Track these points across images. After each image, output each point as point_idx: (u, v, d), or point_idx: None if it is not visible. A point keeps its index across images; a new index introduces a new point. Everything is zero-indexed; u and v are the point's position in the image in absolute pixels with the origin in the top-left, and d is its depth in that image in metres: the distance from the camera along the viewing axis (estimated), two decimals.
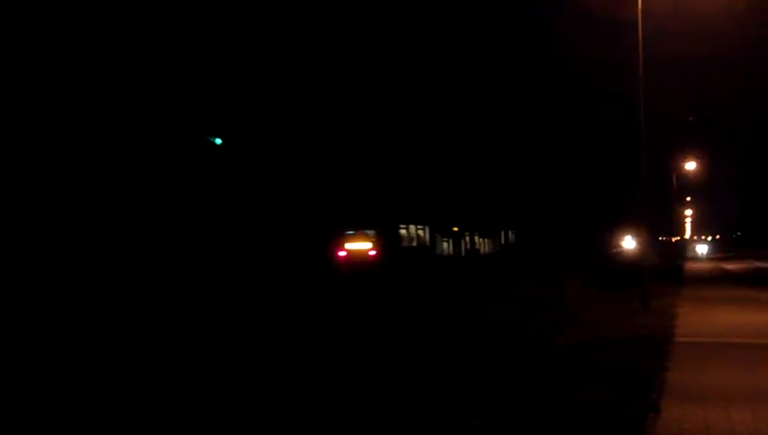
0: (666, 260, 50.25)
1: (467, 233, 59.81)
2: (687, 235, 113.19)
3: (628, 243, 79.00)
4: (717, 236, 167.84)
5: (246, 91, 33.70)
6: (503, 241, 68.51)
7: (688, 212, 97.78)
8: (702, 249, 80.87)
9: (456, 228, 55.82)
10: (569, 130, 68.88)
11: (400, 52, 44.36)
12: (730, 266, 47.59)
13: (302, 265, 29.22)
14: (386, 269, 32.51)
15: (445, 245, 55.14)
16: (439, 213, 50.31)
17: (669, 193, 63.82)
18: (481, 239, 64.12)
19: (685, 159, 58.80)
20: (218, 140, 33.18)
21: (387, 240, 39.07)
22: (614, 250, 79.82)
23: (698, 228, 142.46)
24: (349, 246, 35.57)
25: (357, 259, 34.35)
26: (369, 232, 36.95)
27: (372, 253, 35.66)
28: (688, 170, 60.61)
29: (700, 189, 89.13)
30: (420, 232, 49.43)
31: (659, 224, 78.77)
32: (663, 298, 20.25)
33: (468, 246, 60.20)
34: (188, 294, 18.24)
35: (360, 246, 35.83)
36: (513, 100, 58.21)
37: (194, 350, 10.91)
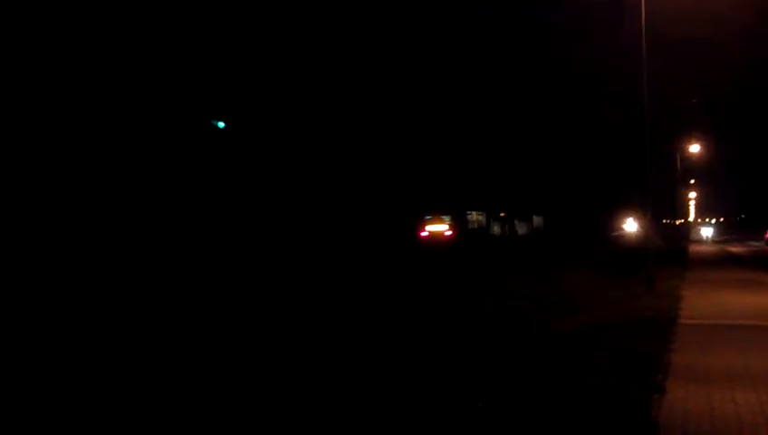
0: (670, 243, 50.22)
1: (510, 217, 70.85)
2: (691, 217, 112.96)
3: (630, 226, 79.57)
4: (722, 219, 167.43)
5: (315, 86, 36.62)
6: (533, 224, 79.44)
7: (692, 195, 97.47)
8: (707, 232, 77.17)
9: (503, 214, 67.66)
10: (574, 117, 69.26)
11: (416, 54, 46.29)
12: (734, 249, 47.58)
13: (396, 242, 36.70)
14: (457, 246, 40.66)
15: (495, 227, 66.55)
16: (492, 202, 61.98)
17: (673, 176, 63.58)
18: (519, 222, 74.93)
19: (689, 142, 58.56)
20: (221, 124, 33.23)
21: (458, 223, 50.80)
22: (616, 233, 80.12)
23: (702, 211, 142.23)
24: (429, 227, 46.03)
25: (436, 238, 44.13)
26: (444, 217, 48.32)
27: (448, 233, 46.46)
28: (692, 153, 60.33)
29: (704, 172, 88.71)
30: (479, 217, 61.91)
31: (663, 207, 78.47)
32: (667, 281, 20.27)
33: (509, 229, 70.53)
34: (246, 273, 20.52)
35: (439, 227, 46.57)
36: (522, 92, 59.92)
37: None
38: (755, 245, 54.04)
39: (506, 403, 7.33)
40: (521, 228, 74.07)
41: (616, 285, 19.61)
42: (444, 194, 50.43)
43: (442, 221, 47.67)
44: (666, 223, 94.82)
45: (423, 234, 45.13)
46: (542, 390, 7.83)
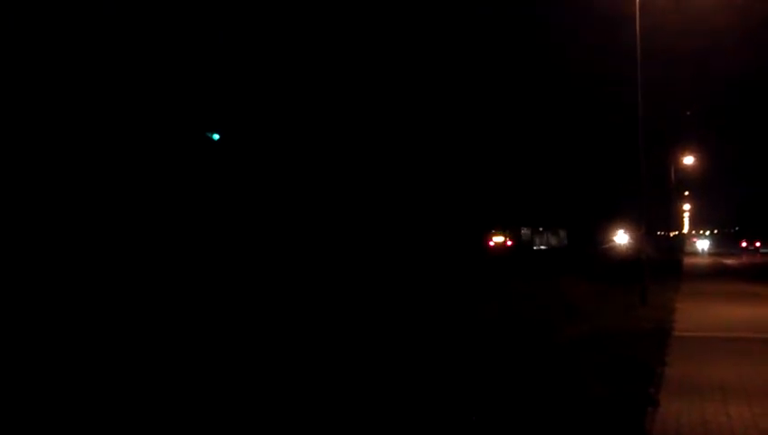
0: (664, 255, 50.33)
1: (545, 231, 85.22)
2: (686, 229, 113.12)
3: (621, 238, 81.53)
4: (716, 231, 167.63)
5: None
6: (560, 237, 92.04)
7: (686, 207, 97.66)
8: (702, 244, 75.06)
9: (540, 229, 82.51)
10: (571, 127, 70.27)
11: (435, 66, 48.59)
12: (729, 261, 47.70)
13: (472, 250, 48.50)
14: (514, 254, 53.63)
15: (536, 239, 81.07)
16: (534, 219, 76.59)
17: (667, 187, 63.76)
18: (551, 235, 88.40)
19: (683, 154, 58.71)
20: (216, 136, 33.27)
21: (514, 237, 66.13)
22: (606, 245, 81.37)
23: (697, 223, 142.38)
24: (495, 239, 61.15)
25: (499, 247, 59.11)
26: (504, 231, 63.19)
27: (508, 243, 61.90)
28: (686, 165, 60.49)
29: (698, 184, 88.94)
30: (526, 231, 75.36)
31: (657, 219, 78.74)
32: (662, 293, 20.28)
33: (545, 242, 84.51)
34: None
35: (501, 239, 61.79)
36: (522, 102, 62.65)
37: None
38: (748, 256, 54.87)
39: (502, 411, 7.30)
40: (552, 240, 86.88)
41: (611, 296, 19.60)
42: (503, 213, 63.66)
43: (504, 234, 62.42)
44: (660, 235, 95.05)
45: (490, 243, 59.76)
46: (535, 400, 7.80)
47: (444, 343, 11.38)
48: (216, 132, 33.15)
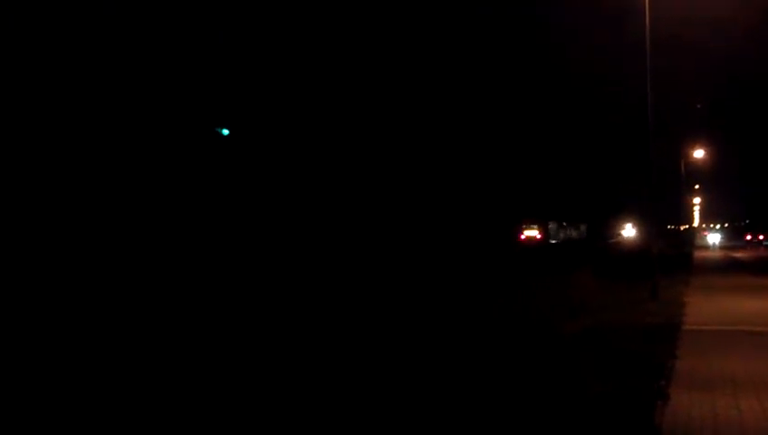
0: (674, 249, 50.17)
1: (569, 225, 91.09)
2: (696, 223, 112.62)
3: (628, 231, 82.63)
4: (726, 225, 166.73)
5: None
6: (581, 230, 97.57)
7: (697, 200, 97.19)
8: (714, 238, 73.26)
9: (564, 223, 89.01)
10: (583, 126, 71.21)
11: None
12: (739, 254, 47.50)
13: (505, 242, 52.62)
14: (544, 246, 59.34)
15: (561, 233, 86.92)
16: (560, 213, 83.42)
17: (678, 181, 63.56)
18: (573, 229, 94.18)
19: (693, 147, 58.44)
20: (225, 131, 33.39)
21: (543, 230, 70.16)
22: (613, 239, 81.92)
23: (707, 217, 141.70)
24: (526, 232, 65.42)
25: (530, 239, 63.59)
26: (534, 225, 67.46)
27: (538, 236, 66.40)
28: (697, 158, 60.21)
29: (709, 177, 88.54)
30: (552, 225, 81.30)
31: (667, 212, 78.77)
32: (672, 287, 20.27)
33: (567, 234, 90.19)
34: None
35: (532, 233, 66.13)
36: (545, 107, 64.91)
37: None
38: (753, 249, 55.22)
39: (508, 404, 7.35)
40: (574, 233, 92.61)
41: (622, 290, 19.59)
42: (534, 209, 69.24)
43: (534, 228, 67.09)
44: (670, 229, 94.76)
45: (522, 236, 64.34)
46: (548, 392, 7.84)
47: (464, 332, 11.61)
48: (226, 128, 33.32)
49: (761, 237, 65.98)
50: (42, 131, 23.51)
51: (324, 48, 38.22)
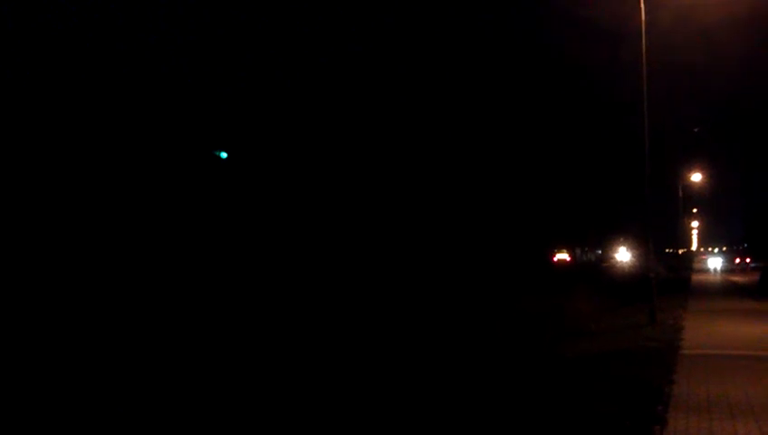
0: (673, 272, 50.17)
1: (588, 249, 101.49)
2: (694, 246, 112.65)
3: (623, 255, 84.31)
4: (724, 248, 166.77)
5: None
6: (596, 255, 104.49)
7: (695, 224, 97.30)
8: (714, 263, 70.32)
9: (587, 248, 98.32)
10: (579, 146, 71.83)
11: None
12: (737, 278, 47.48)
13: (540, 264, 57.71)
14: (573, 269, 62.98)
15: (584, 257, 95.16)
16: (584, 239, 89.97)
17: (675, 205, 63.64)
18: (591, 253, 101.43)
19: (690, 171, 58.62)
20: (224, 154, 33.58)
21: (572, 254, 78.06)
22: (608, 263, 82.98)
23: (705, 240, 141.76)
24: (557, 256, 72.38)
25: (561, 263, 70.33)
26: (564, 250, 74.89)
27: (568, 259, 73.15)
28: (694, 182, 60.36)
29: (706, 201, 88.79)
30: (578, 250, 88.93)
31: (665, 236, 78.98)
32: (669, 311, 20.26)
33: (587, 258, 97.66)
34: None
35: (563, 256, 73.20)
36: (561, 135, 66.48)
37: None
38: (741, 272, 56.00)
39: (509, 429, 7.37)
40: (592, 257, 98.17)
41: (621, 314, 19.60)
42: (563, 235, 75.78)
43: (564, 252, 74.32)
44: (668, 252, 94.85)
45: (554, 259, 70.82)
46: (546, 415, 7.86)
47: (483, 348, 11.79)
48: (224, 151, 33.51)
49: (748, 260, 69.07)
50: (41, 154, 23.64)
51: (330, 67, 38.77)
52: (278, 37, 36.86)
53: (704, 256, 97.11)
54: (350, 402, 8.75)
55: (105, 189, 25.27)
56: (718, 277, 50.46)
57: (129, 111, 27.09)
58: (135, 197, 26.25)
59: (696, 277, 49.04)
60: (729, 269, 64.79)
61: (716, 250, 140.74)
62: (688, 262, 79.99)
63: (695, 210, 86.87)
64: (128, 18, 28.01)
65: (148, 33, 29.04)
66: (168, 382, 10.15)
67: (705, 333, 15.93)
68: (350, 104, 38.45)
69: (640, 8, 19.10)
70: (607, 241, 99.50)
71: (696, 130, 59.51)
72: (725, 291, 33.88)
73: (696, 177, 59.47)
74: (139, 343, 12.56)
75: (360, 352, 12.49)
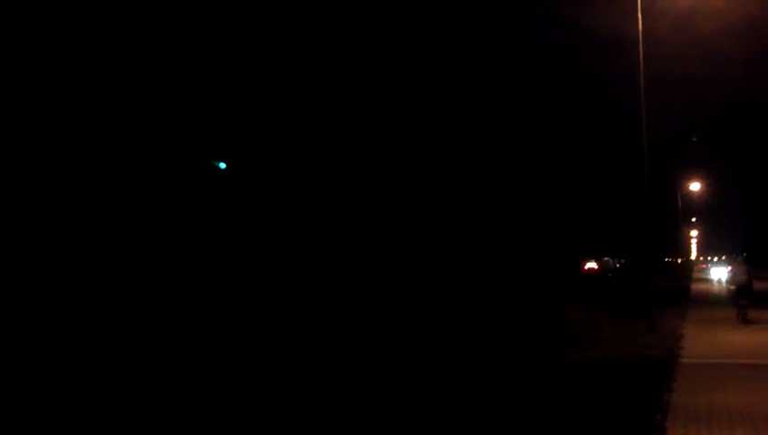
0: (672, 281, 50.14)
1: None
2: (693, 256, 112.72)
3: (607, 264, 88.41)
4: (723, 257, 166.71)
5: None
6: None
7: (694, 233, 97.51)
8: (719, 273, 61.74)
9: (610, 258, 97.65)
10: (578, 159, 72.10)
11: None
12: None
13: (570, 272, 59.20)
14: (601, 277, 65.12)
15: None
16: (610, 249, 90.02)
17: (674, 214, 63.81)
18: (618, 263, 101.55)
19: (690, 180, 58.75)
20: (222, 165, 33.60)
21: (600, 263, 77.97)
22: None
23: (704, 250, 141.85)
24: (587, 265, 72.87)
25: (590, 271, 71.32)
26: (592, 259, 75.08)
27: (595, 268, 73.82)
28: (693, 191, 60.49)
29: (705, 210, 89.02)
30: (608, 259, 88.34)
31: (665, 245, 79.35)
32: (669, 320, 20.24)
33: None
34: None
35: (591, 265, 73.66)
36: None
37: None
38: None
39: (518, 420, 7.40)
40: (617, 265, 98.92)
41: (621, 323, 19.58)
42: (592, 244, 76.90)
43: (593, 261, 75.58)
44: (668, 262, 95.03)
45: (584, 268, 71.94)
46: (542, 422, 7.83)
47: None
48: (223, 162, 33.56)
49: None
50: (34, 162, 23.62)
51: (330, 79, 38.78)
52: (278, 37, 36.86)
53: (703, 266, 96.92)
54: (348, 402, 8.72)
55: (104, 199, 25.25)
56: (717, 286, 50.34)
57: (128, 120, 27.12)
58: (134, 207, 26.25)
59: (695, 286, 49.01)
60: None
61: (716, 259, 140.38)
62: (688, 271, 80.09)
63: (693, 219, 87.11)
64: (128, 20, 27.99)
65: (148, 37, 29.00)
66: (169, 382, 10.16)
67: (704, 341, 15.91)
68: (353, 106, 38.27)
69: (638, 17, 19.19)
70: (620, 253, 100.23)
71: (694, 138, 59.55)
72: (724, 300, 33.78)
73: (695, 186, 59.59)
74: (139, 344, 12.57)
75: (359, 352, 12.49)
